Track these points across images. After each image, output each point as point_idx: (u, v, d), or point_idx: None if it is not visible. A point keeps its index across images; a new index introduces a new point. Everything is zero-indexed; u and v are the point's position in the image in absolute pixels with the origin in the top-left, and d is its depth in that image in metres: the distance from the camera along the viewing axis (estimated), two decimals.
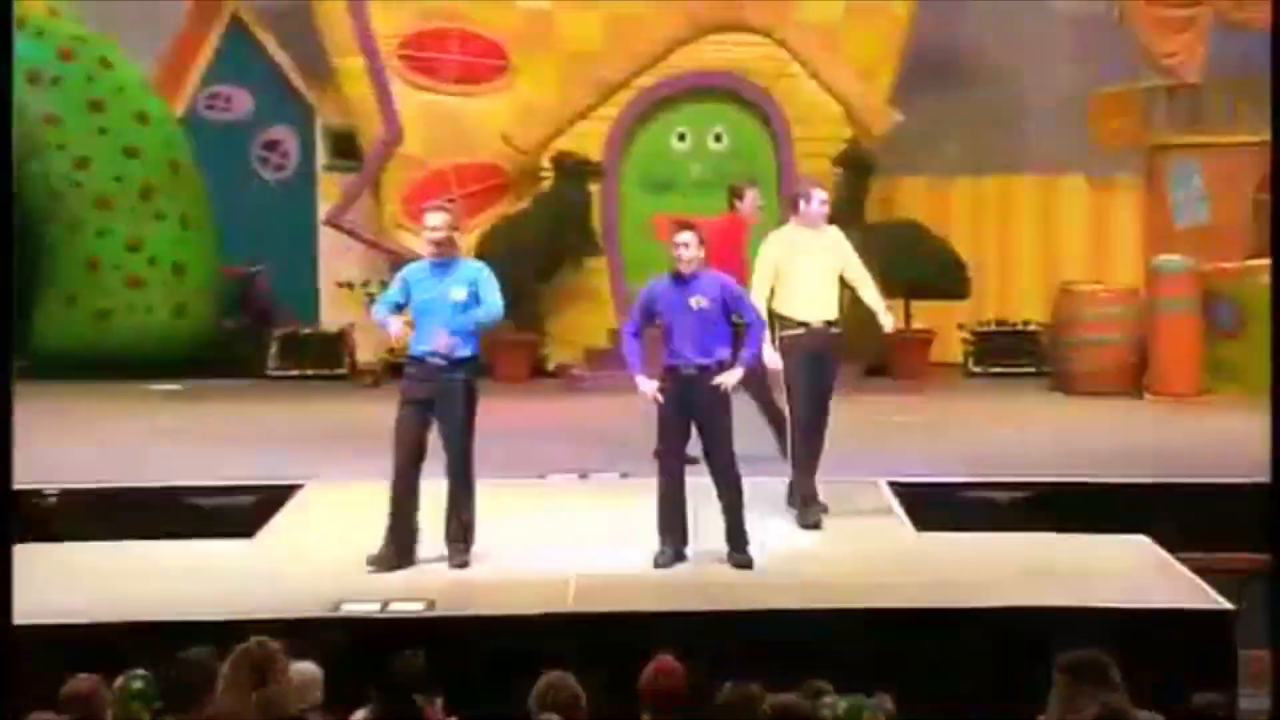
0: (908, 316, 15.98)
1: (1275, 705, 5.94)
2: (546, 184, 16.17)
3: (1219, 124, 16.41)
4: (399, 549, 9.04)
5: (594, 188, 16.02)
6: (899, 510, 10.27)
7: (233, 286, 16.95)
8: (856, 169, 16.02)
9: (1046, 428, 13.46)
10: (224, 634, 7.03)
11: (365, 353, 16.52)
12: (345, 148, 17.13)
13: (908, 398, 14.95)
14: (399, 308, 9.18)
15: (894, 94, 16.50)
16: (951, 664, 7.82)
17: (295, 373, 16.43)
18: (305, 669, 6.53)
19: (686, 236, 9.15)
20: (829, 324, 10.17)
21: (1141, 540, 9.41)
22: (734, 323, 9.28)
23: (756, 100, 16.29)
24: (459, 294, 9.07)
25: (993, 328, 16.55)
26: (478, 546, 9.25)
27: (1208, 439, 12.46)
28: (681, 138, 16.53)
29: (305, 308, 17.15)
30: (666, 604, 8.38)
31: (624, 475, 11.08)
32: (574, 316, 16.22)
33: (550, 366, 16.36)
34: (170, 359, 16.19)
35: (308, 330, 16.75)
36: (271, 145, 17.42)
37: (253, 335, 16.83)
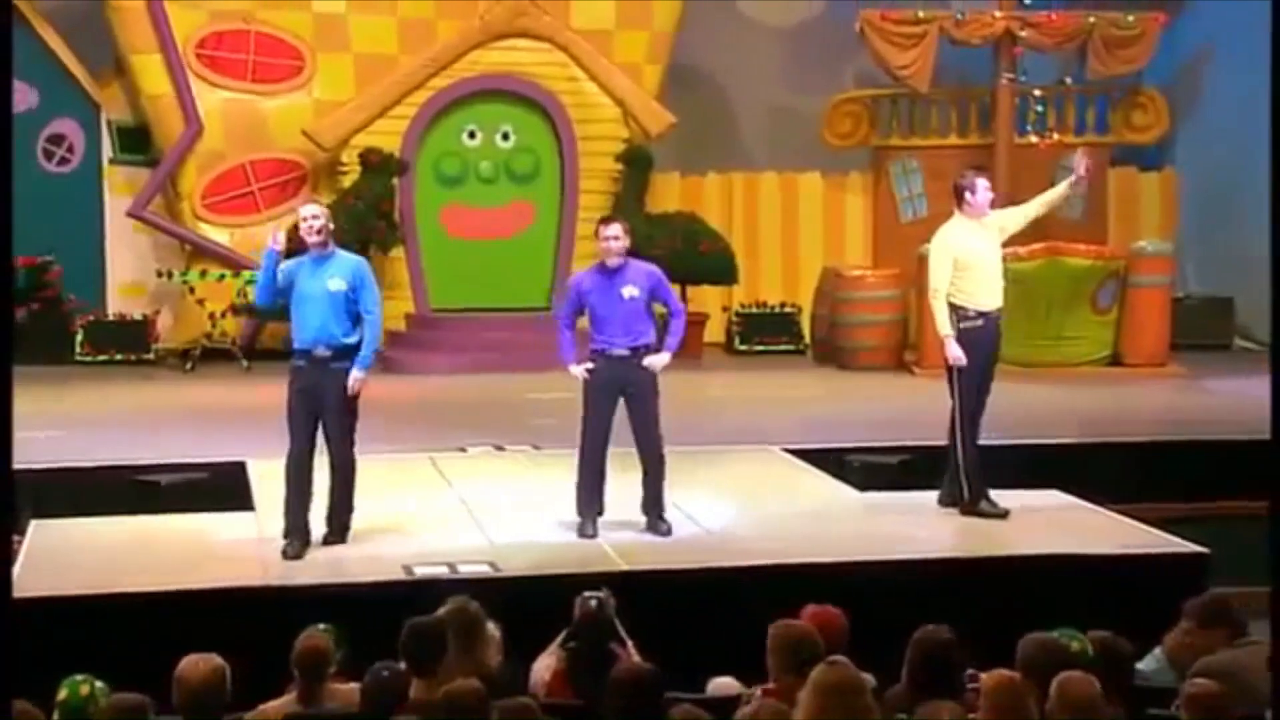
0: (684, 300, 17.95)
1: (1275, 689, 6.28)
2: (350, 178, 17.41)
3: (938, 129, 19.04)
4: (302, 535, 9.48)
5: (396, 181, 17.34)
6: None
7: (24, 277, 17.65)
8: (637, 165, 17.87)
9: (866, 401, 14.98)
10: (330, 600, 8.17)
11: (169, 339, 17.60)
12: (133, 142, 18.01)
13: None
14: (280, 292, 9.50)
15: (660, 95, 18.39)
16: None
17: (103, 358, 17.33)
18: (493, 629, 7.01)
19: (615, 229, 9.66)
20: (1000, 312, 10.34)
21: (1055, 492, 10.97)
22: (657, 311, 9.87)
23: (541, 101, 17.89)
24: (337, 285, 9.38)
25: (754, 309, 18.67)
26: (482, 514, 10.29)
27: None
28: (472, 135, 17.96)
29: (92, 296, 17.95)
30: (701, 562, 9.32)
31: (537, 447, 12.35)
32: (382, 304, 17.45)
33: None
34: None
35: (112, 317, 17.65)
36: (57, 139, 18.15)
37: (49, 324, 17.59)
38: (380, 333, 9.66)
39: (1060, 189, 10.67)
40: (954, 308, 10.19)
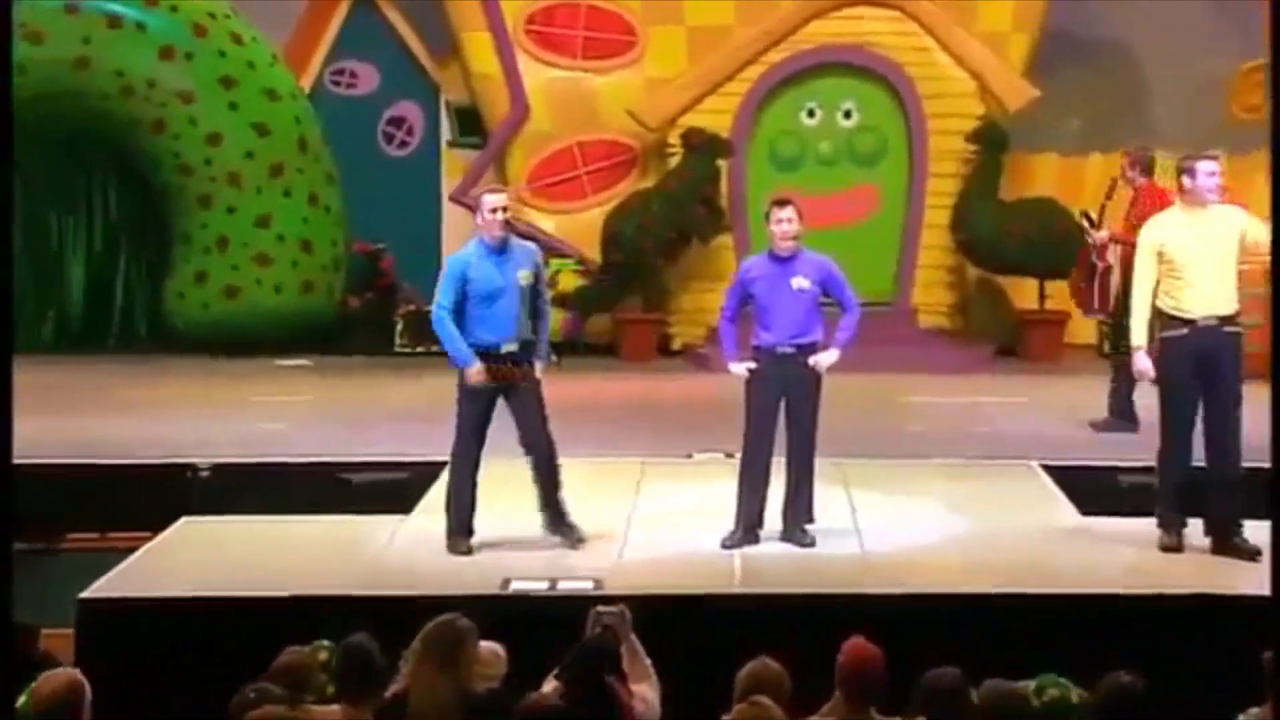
0: (1042, 296, 16.45)
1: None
2: (674, 161, 16.67)
3: None
4: (463, 531, 9.39)
5: (722, 164, 16.48)
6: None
7: (360, 264, 17.60)
8: (990, 146, 16.45)
9: None
10: (393, 611, 7.72)
11: None
12: (471, 125, 17.73)
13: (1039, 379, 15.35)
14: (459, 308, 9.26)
15: (1028, 69, 16.92)
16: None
17: (420, 350, 17.07)
18: (488, 646, 6.72)
19: (788, 213, 9.18)
20: (1222, 320, 8.99)
21: None
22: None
23: (888, 75, 16.70)
24: (526, 278, 9.25)
25: None
26: (638, 526, 9.76)
27: None
28: (811, 113, 16.94)
29: (428, 285, 17.68)
30: (833, 586, 8.65)
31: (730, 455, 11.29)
32: (700, 295, 16.59)
33: (676, 345, 16.87)
34: (297, 336, 16.86)
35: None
36: (397, 122, 18.04)
37: (378, 313, 17.47)
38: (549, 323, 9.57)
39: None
40: (1158, 313, 9.09)
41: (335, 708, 6.42)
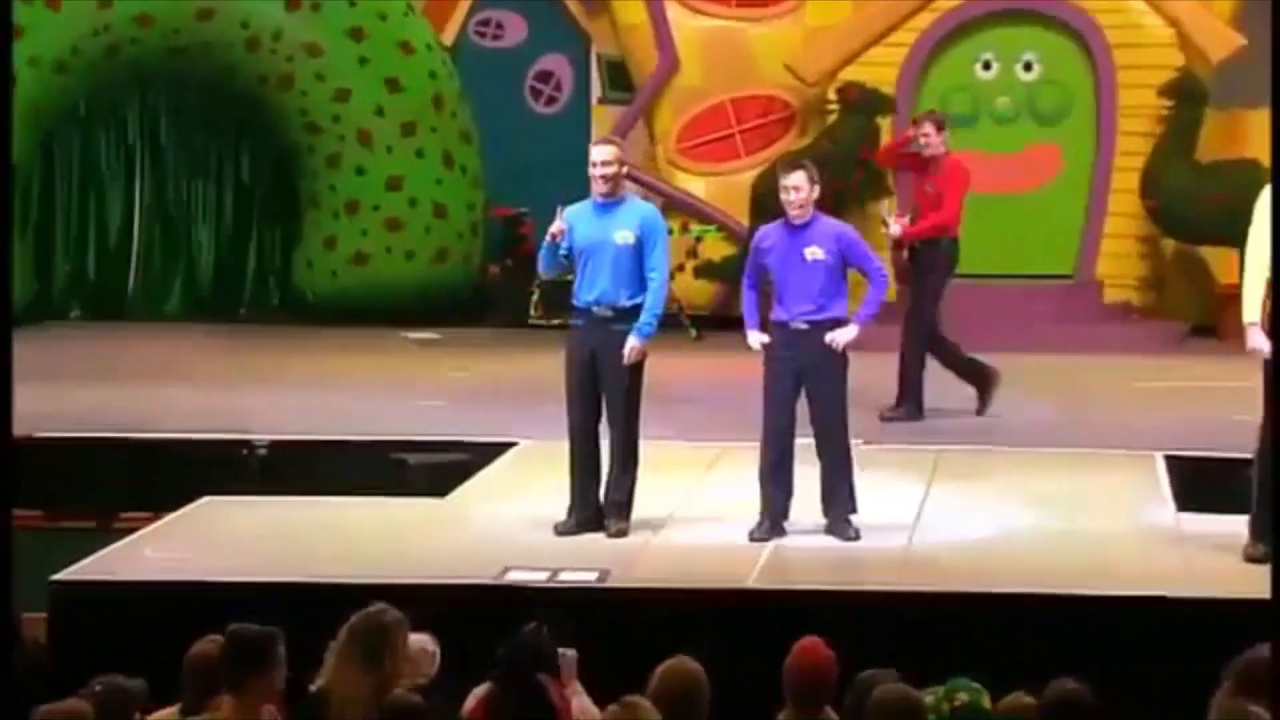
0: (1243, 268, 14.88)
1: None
2: (831, 119, 15.51)
3: None
4: (579, 516, 8.85)
5: (883, 122, 15.29)
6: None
7: (500, 229, 16.64)
8: (1187, 101, 15.14)
9: None
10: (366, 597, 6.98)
11: None
12: (623, 80, 16.75)
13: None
14: (566, 257, 9.01)
15: (1234, 15, 15.49)
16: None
17: (556, 323, 15.98)
18: (420, 641, 6.50)
19: (797, 178, 8.79)
20: None
21: None
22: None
23: (1074, 23, 15.45)
24: (624, 236, 8.83)
25: None
26: (681, 515, 9.19)
27: None
28: (986, 66, 15.77)
29: None
30: (850, 582, 8.23)
31: (866, 443, 10.58)
32: None
33: None
34: (430, 306, 15.99)
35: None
36: (544, 76, 17.05)
37: (519, 282, 16.45)
38: (665, 296, 9.06)
39: None
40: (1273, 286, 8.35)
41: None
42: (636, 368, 8.83)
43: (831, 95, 15.51)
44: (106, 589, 8.23)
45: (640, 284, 8.86)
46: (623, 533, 8.81)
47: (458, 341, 15.46)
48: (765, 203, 15.29)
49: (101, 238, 16.64)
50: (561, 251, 8.96)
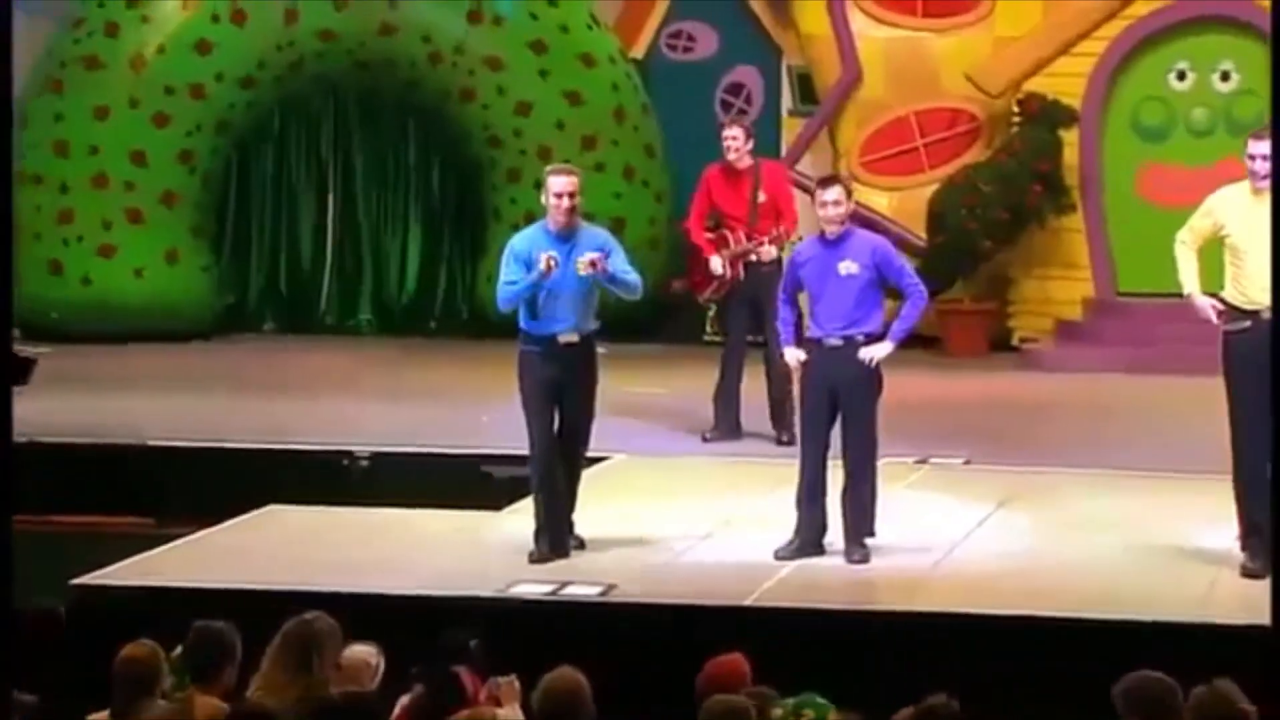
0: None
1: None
2: (1014, 131, 15.11)
3: None
4: (550, 540, 8.87)
5: (1065, 135, 14.84)
6: None
7: (685, 243, 16.48)
8: None
9: None
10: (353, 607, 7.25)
11: None
12: (813, 92, 16.49)
13: None
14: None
15: None
16: None
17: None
18: (361, 652, 6.56)
19: (833, 193, 8.79)
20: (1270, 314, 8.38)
21: None
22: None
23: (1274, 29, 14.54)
24: (583, 266, 8.92)
25: None
26: (721, 532, 9.31)
27: None
28: (1181, 76, 15.21)
29: None
30: (857, 603, 8.34)
31: (967, 462, 10.58)
32: (1042, 283, 15.20)
33: (1015, 340, 15.33)
34: (610, 322, 15.84)
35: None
36: (735, 89, 16.85)
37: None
38: (638, 284, 9.29)
39: None
40: (1225, 305, 8.53)
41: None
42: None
43: (1015, 108, 15.10)
44: (118, 594, 8.46)
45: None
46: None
47: (625, 356, 15.30)
48: (940, 219, 15.01)
49: (293, 250, 16.93)
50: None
